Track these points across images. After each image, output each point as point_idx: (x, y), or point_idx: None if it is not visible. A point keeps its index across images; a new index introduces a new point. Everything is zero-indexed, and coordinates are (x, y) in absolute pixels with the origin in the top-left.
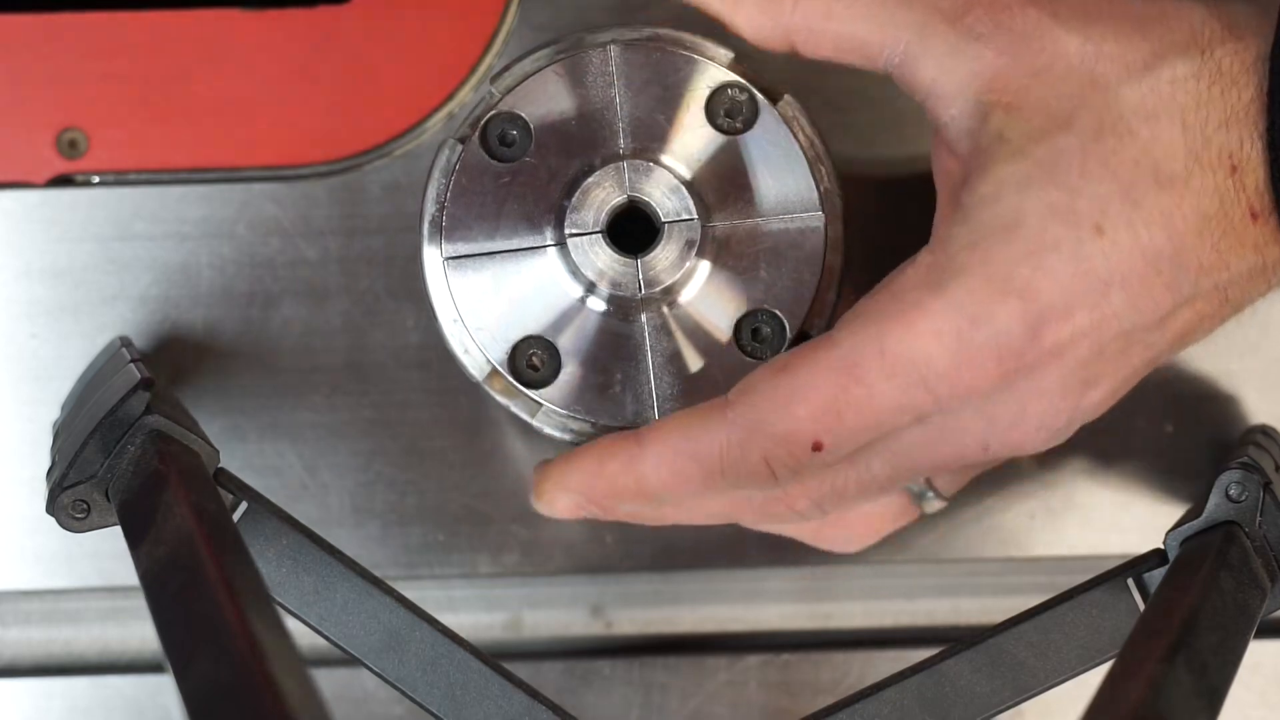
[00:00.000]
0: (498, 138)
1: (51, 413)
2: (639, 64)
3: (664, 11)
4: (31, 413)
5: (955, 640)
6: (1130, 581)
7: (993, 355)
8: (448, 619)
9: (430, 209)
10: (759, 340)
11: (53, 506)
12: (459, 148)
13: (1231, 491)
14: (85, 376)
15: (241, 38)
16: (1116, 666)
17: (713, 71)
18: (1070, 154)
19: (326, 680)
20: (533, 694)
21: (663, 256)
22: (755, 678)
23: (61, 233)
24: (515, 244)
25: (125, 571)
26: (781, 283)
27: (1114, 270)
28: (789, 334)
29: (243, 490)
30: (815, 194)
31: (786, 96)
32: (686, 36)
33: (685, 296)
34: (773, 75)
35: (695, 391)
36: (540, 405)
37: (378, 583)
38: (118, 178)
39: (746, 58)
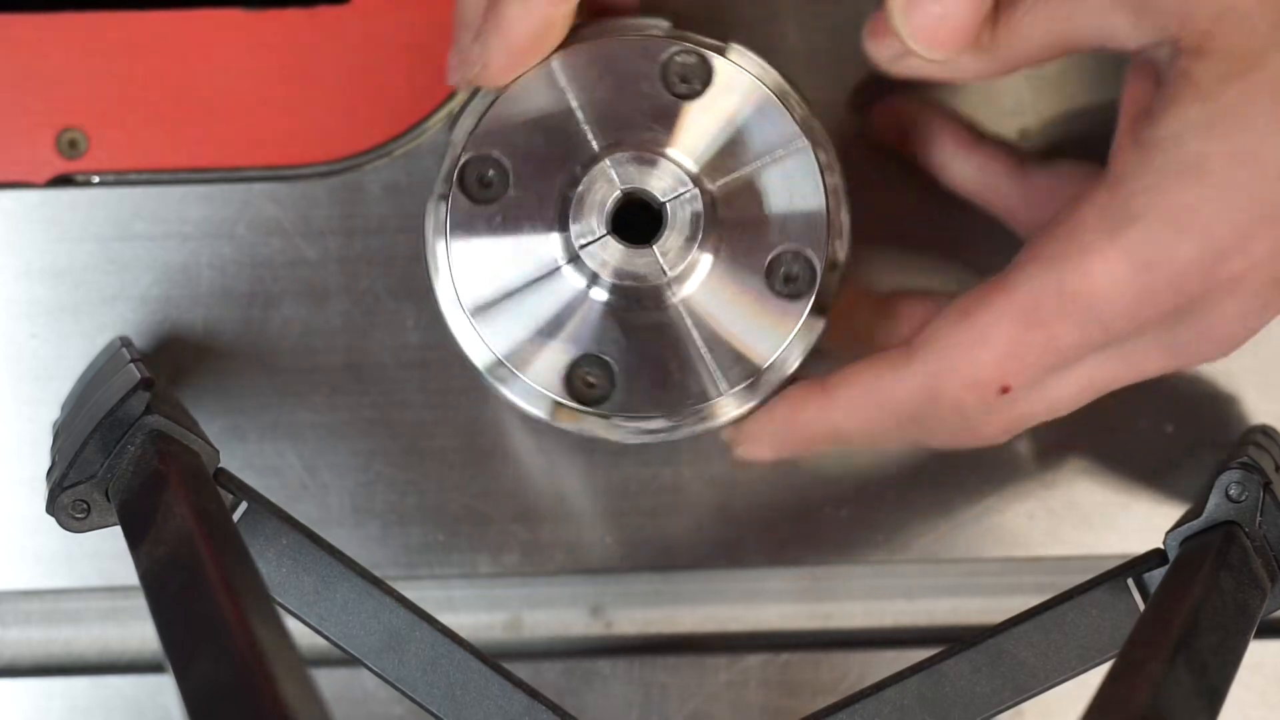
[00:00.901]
0: (476, 181)
1: (51, 413)
2: (583, 65)
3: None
4: (31, 413)
5: (955, 640)
6: (1130, 581)
7: (1170, 293)
8: (448, 619)
9: (439, 272)
10: (790, 281)
11: (53, 506)
12: (443, 204)
13: (1231, 491)
14: (85, 376)
15: (241, 38)
16: (1116, 666)
17: (654, 45)
18: (1257, 99)
19: (326, 680)
20: (533, 694)
21: (674, 235)
22: (755, 678)
23: (61, 233)
24: (531, 275)
25: (125, 571)
26: (794, 219)
27: None
28: (818, 266)
29: (243, 490)
30: (793, 125)
31: (733, 45)
32: (615, 22)
33: (707, 266)
34: (713, 30)
35: (748, 355)
36: (609, 419)
37: (378, 583)
38: (118, 178)
39: (684, 21)
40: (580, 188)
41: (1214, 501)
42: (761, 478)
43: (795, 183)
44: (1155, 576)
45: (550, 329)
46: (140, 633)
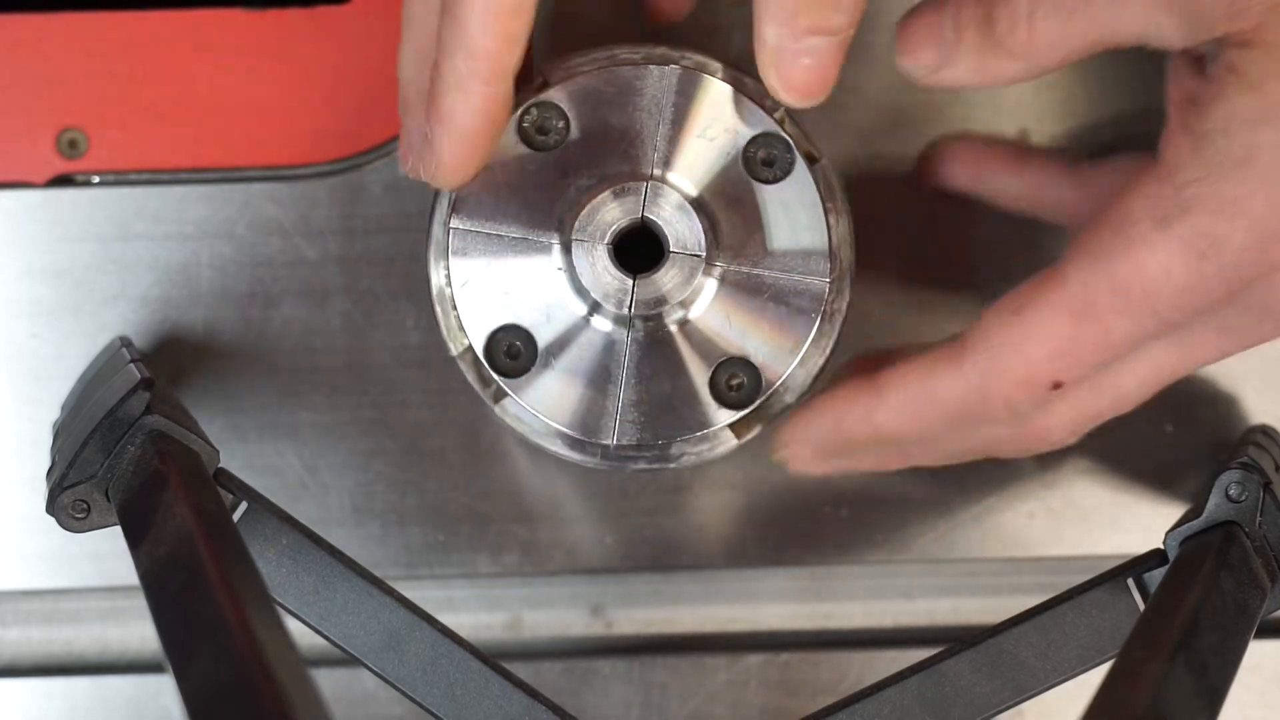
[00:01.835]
0: (535, 125)
1: (51, 413)
2: (691, 92)
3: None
4: (31, 413)
5: (955, 640)
6: (1130, 581)
7: (1222, 282)
8: (448, 619)
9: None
10: (731, 389)
11: (53, 506)
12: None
13: (1231, 491)
14: (85, 376)
15: (241, 38)
16: (1116, 666)
17: (759, 117)
18: None
19: (326, 680)
20: (533, 694)
21: (661, 282)
22: (755, 678)
23: (62, 233)
24: (522, 233)
25: (125, 571)
26: (771, 338)
27: None
28: (763, 391)
29: (243, 490)
30: (826, 260)
31: (824, 160)
32: (749, 79)
33: (673, 326)
34: (814, 136)
35: (657, 420)
36: (505, 394)
37: (378, 583)
38: (118, 178)
39: (796, 115)
40: (611, 191)
41: (1214, 501)
42: (762, 478)
43: (795, 309)
44: (1155, 576)
45: (510, 288)
46: (140, 633)
